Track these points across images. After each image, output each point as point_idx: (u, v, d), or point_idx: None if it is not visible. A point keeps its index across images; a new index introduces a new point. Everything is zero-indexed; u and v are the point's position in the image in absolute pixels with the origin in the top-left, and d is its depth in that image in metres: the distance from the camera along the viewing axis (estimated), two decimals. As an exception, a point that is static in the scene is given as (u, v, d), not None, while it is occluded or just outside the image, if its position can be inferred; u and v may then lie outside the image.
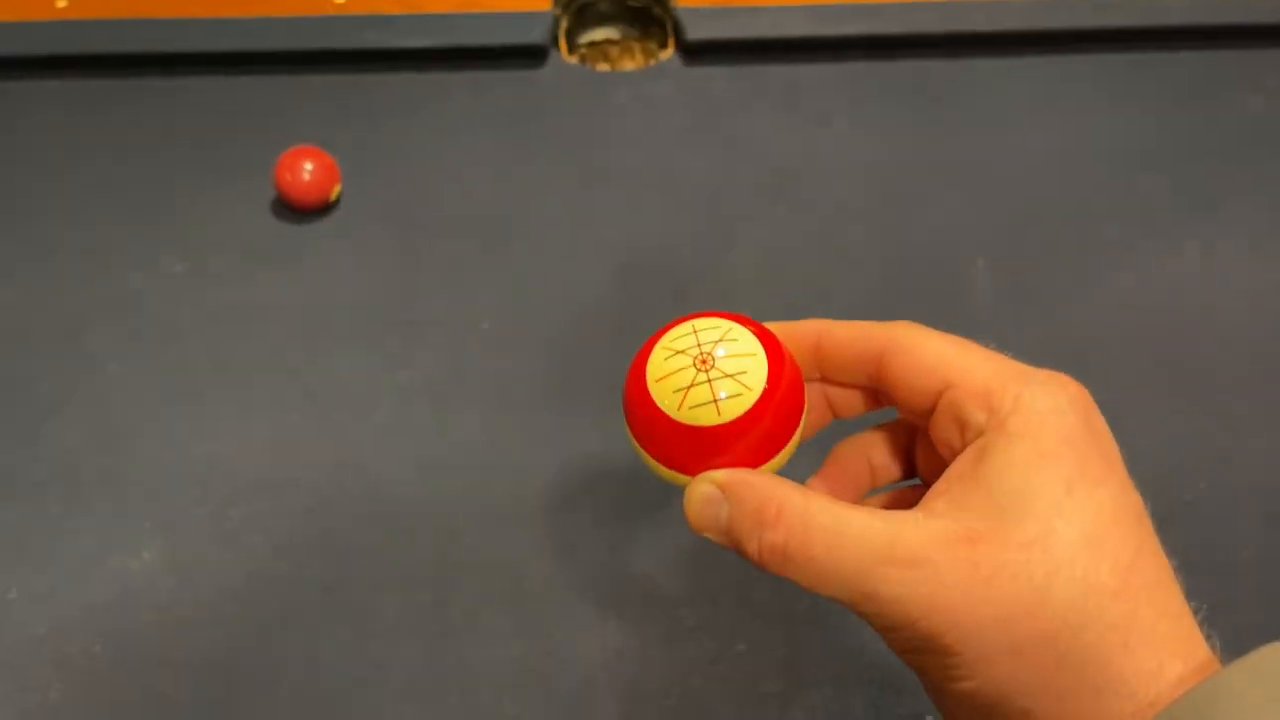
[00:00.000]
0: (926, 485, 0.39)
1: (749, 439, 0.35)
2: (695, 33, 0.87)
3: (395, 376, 0.67)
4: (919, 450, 0.40)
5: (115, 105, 0.84)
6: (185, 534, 0.60)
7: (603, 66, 0.89)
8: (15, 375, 0.68)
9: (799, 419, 0.36)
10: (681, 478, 0.36)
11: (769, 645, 0.56)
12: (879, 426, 0.42)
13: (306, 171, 0.74)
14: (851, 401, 0.40)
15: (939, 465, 0.36)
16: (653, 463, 0.36)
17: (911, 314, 0.38)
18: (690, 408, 0.34)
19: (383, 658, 0.55)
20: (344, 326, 0.70)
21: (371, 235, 0.75)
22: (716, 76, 0.87)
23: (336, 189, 0.76)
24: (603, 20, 0.92)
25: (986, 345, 0.36)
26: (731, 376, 0.34)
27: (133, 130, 0.82)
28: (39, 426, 0.65)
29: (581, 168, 0.80)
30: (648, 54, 0.90)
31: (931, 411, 0.36)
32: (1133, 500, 0.33)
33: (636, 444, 0.37)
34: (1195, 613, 0.32)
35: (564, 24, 0.89)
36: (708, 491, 0.35)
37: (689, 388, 0.34)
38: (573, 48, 0.90)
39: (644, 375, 0.36)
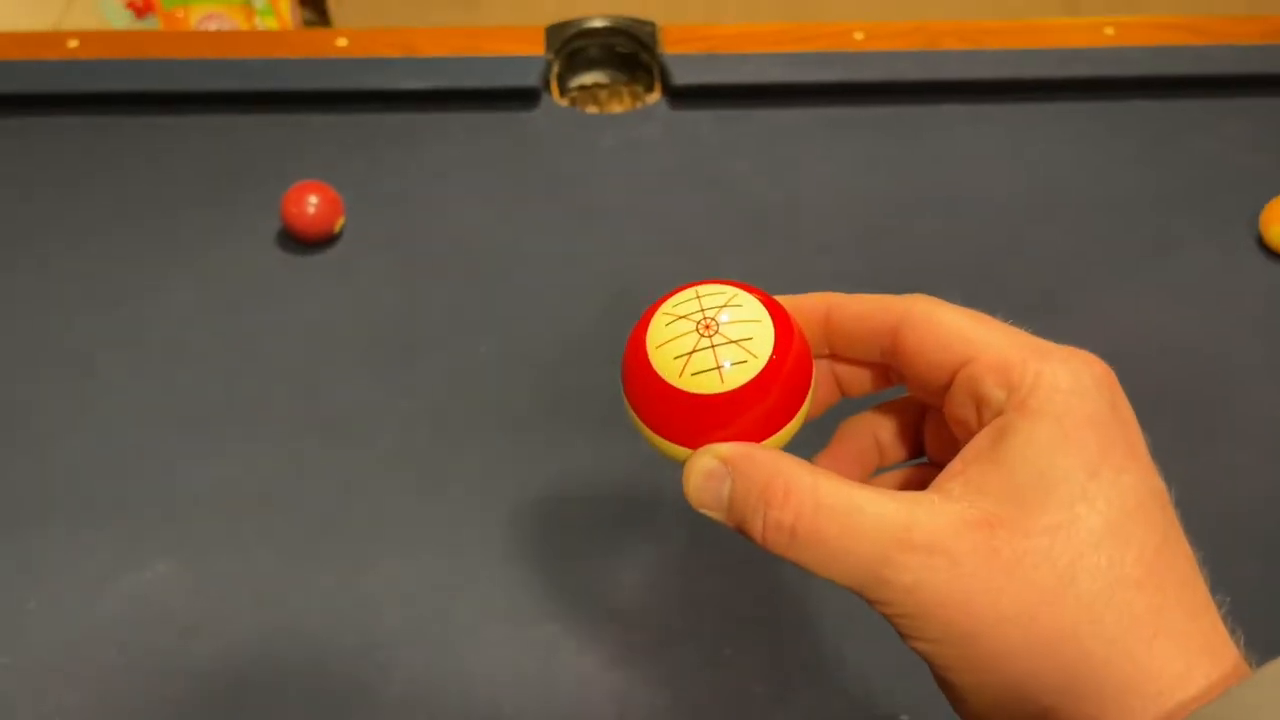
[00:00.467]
0: (935, 465, 0.37)
1: (754, 410, 0.32)
2: (681, 78, 0.91)
3: (396, 400, 0.70)
4: (928, 429, 0.38)
5: (126, 142, 0.87)
6: (196, 549, 0.63)
7: (592, 109, 0.93)
8: (31, 399, 0.70)
9: (806, 391, 0.34)
10: (681, 451, 0.34)
11: (755, 650, 0.59)
12: (887, 404, 0.40)
13: (311, 205, 0.77)
14: (860, 378, 0.38)
15: (950, 445, 0.34)
16: (651, 435, 0.34)
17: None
18: (692, 374, 0.32)
19: (387, 664, 0.58)
20: (347, 352, 0.73)
21: (373, 266, 0.79)
22: (701, 119, 0.91)
23: (340, 222, 0.79)
24: (592, 65, 0.95)
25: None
26: (736, 343, 0.32)
27: (143, 166, 0.86)
28: (53, 448, 0.68)
29: (572, 204, 0.84)
30: (635, 97, 0.94)
31: (947, 388, 0.34)
32: (1157, 486, 0.31)
33: (634, 415, 0.34)
34: (1219, 606, 0.30)
35: (556, 68, 0.93)
36: (710, 465, 0.32)
37: (691, 353, 0.32)
38: (564, 91, 0.94)
39: (644, 342, 0.33)
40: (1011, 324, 0.33)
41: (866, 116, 0.91)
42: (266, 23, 1.86)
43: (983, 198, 0.84)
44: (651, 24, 0.93)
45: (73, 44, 0.92)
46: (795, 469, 0.31)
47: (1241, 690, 0.27)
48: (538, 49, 0.92)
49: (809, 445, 0.36)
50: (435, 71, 0.91)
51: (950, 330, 0.33)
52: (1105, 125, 0.90)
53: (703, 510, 0.33)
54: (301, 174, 0.80)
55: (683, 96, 0.91)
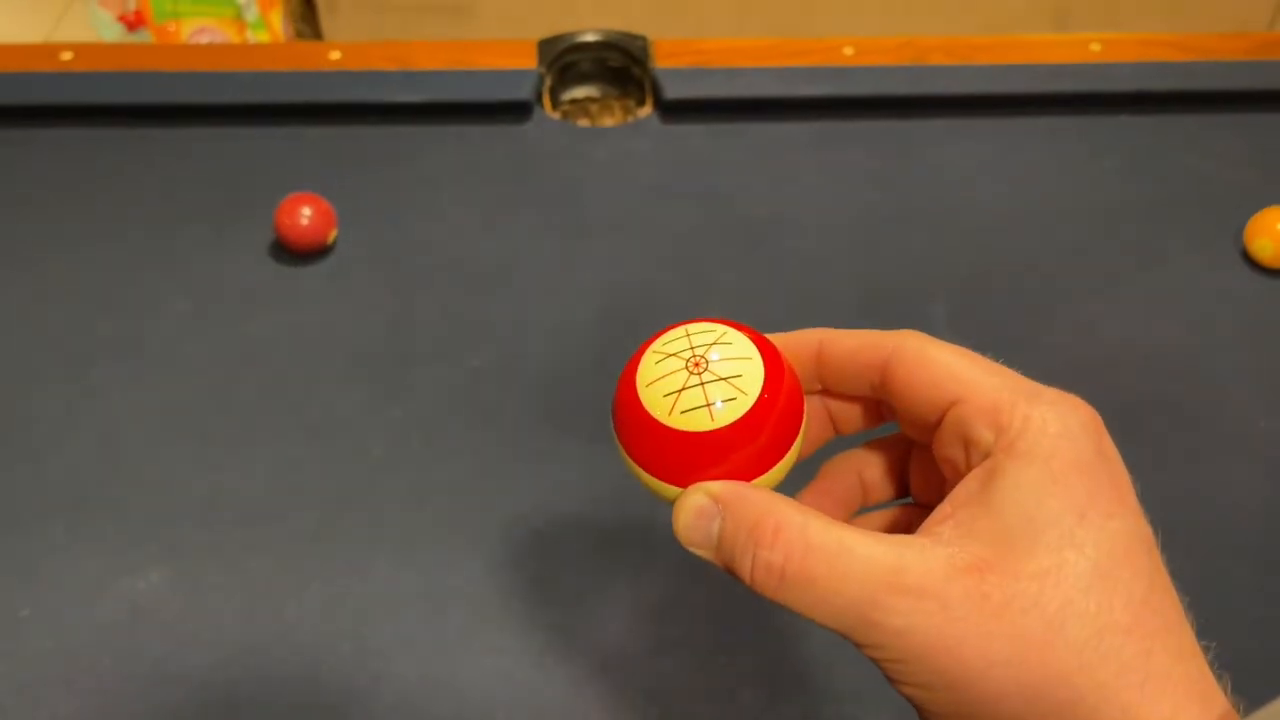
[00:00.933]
0: (919, 505, 0.38)
1: (745, 449, 0.32)
2: (673, 92, 0.91)
3: (389, 410, 0.71)
4: (913, 469, 0.38)
5: (121, 154, 0.88)
6: (190, 558, 0.63)
7: (584, 122, 0.94)
8: (27, 409, 0.71)
9: (798, 428, 0.34)
10: (671, 490, 0.33)
11: (747, 658, 0.59)
12: (872, 442, 0.39)
13: (305, 216, 0.77)
14: (853, 415, 0.38)
15: (935, 485, 0.34)
16: (642, 474, 0.34)
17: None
18: (681, 412, 0.32)
19: (380, 672, 0.58)
20: (340, 363, 0.74)
21: (366, 277, 0.79)
22: (693, 133, 0.91)
23: (333, 233, 0.79)
24: (584, 79, 0.96)
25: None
26: (726, 380, 0.32)
27: (137, 178, 0.86)
28: (48, 457, 0.68)
29: (564, 216, 0.84)
30: (627, 111, 0.94)
31: (936, 426, 0.34)
32: (1144, 531, 0.31)
33: (625, 454, 0.34)
34: (1205, 651, 0.30)
35: (548, 82, 0.94)
36: (700, 503, 0.32)
37: (680, 391, 0.32)
38: (556, 104, 0.94)
39: (634, 380, 0.34)
40: (1001, 339, 0.34)
41: (856, 130, 0.91)
42: (258, 36, 1.86)
43: (971, 211, 0.85)
44: (643, 38, 0.94)
45: (66, 56, 0.92)
46: (786, 509, 0.31)
47: None
48: (530, 63, 0.93)
49: (793, 483, 0.36)
50: (428, 85, 0.91)
51: (941, 369, 0.33)
52: (1092, 140, 0.91)
53: (692, 549, 0.33)
54: (295, 186, 0.80)
55: (674, 110, 0.92)
